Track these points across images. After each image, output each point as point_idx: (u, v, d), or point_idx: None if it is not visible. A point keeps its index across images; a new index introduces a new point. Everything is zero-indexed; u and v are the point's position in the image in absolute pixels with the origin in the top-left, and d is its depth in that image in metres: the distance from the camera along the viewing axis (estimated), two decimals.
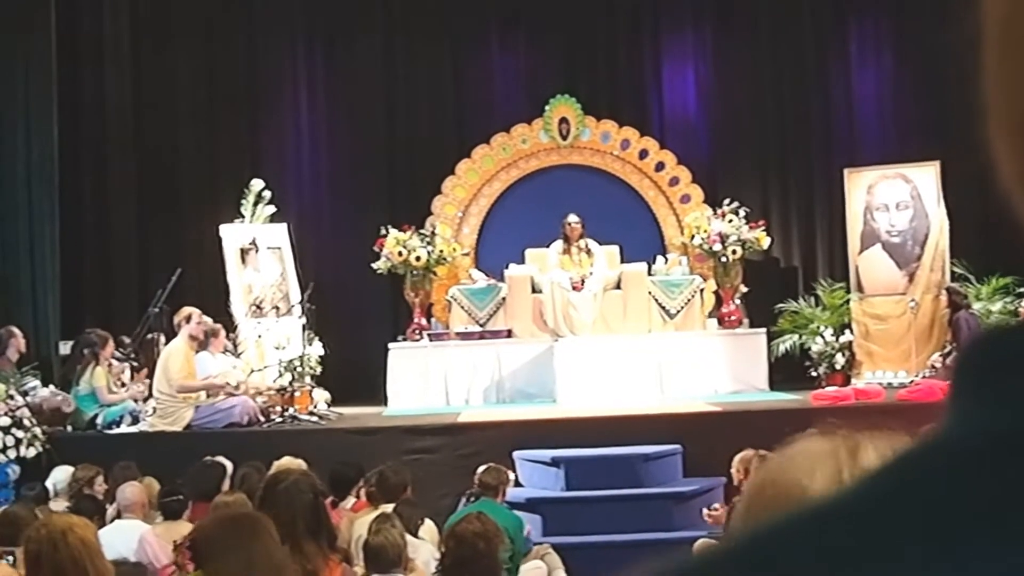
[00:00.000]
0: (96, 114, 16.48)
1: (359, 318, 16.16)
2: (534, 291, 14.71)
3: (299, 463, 8.26)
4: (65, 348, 14.30)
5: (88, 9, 16.53)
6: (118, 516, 8.45)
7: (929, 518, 0.56)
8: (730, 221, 14.97)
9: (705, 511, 9.09)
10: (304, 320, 14.04)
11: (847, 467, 1.46)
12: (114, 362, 13.32)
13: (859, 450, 1.47)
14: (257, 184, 14.86)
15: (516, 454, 11.32)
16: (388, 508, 7.79)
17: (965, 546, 0.54)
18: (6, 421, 11.45)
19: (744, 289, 15.08)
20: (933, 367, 13.70)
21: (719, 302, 15.06)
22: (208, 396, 12.45)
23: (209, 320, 13.24)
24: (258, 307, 14.27)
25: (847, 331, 14.74)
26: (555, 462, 11.16)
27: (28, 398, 12.08)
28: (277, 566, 4.18)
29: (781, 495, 1.48)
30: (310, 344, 14.02)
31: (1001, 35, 0.60)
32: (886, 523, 0.57)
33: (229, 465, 9.44)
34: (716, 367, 14.22)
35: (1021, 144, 0.60)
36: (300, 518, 5.16)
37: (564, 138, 15.89)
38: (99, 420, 12.54)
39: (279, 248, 15.01)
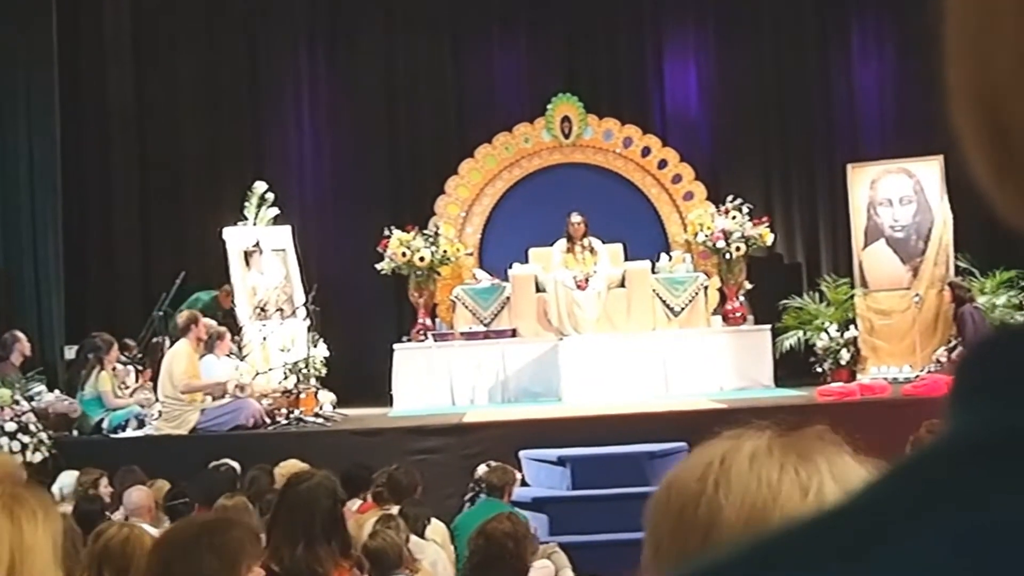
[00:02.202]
0: (98, 116, 16.50)
1: (363, 319, 16.17)
2: (538, 290, 14.72)
3: (303, 466, 8.26)
4: (70, 353, 14.31)
5: (90, 10, 16.54)
6: (125, 520, 8.44)
7: (933, 515, 0.56)
8: (733, 218, 14.97)
9: None
10: (308, 322, 14.06)
11: (720, 473, 1.48)
12: (119, 366, 13.32)
13: (733, 454, 1.49)
14: (260, 186, 14.86)
15: (522, 453, 11.31)
16: (394, 509, 7.79)
17: (967, 543, 0.54)
18: (12, 426, 11.46)
19: (748, 286, 15.09)
20: (938, 361, 13.69)
21: (723, 299, 15.06)
22: (213, 398, 12.45)
23: (213, 323, 13.25)
24: (262, 309, 14.27)
25: (852, 326, 14.72)
26: (561, 461, 11.16)
27: (34, 403, 12.09)
28: None
29: (684, 504, 1.50)
30: (315, 346, 14.03)
31: (959, 9, 0.60)
32: (885, 523, 0.56)
33: (235, 467, 9.44)
34: (721, 364, 14.22)
35: (980, 117, 0.60)
36: (317, 520, 5.16)
37: (566, 136, 15.89)
38: (105, 424, 12.55)
39: (283, 250, 15.01)
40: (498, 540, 5.76)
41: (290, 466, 8.66)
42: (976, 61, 0.59)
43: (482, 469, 9.57)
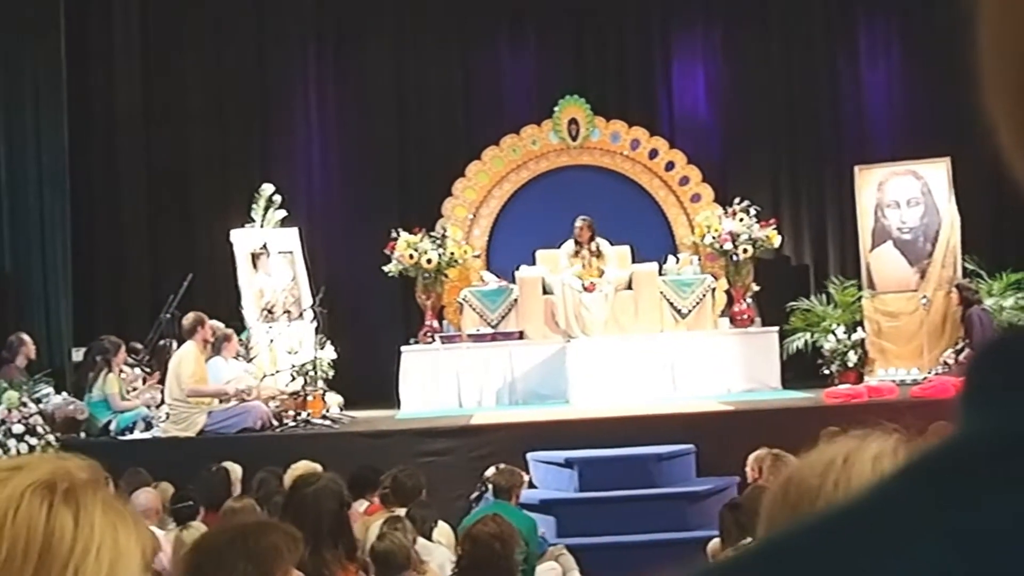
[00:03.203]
0: (106, 119, 16.51)
1: (371, 321, 16.17)
2: (545, 292, 14.71)
3: (316, 467, 8.26)
4: (78, 355, 14.31)
5: (98, 14, 16.56)
6: None
7: (944, 518, 0.55)
8: (741, 220, 14.96)
9: None
10: (316, 324, 14.05)
11: (841, 472, 1.47)
12: (126, 368, 13.33)
13: (857, 454, 1.48)
14: (268, 188, 14.88)
15: (530, 455, 11.32)
16: (401, 512, 7.79)
17: (980, 546, 0.54)
18: (20, 428, 11.46)
19: (755, 288, 15.07)
20: (945, 363, 13.67)
21: (731, 301, 15.05)
22: (221, 401, 12.46)
23: (220, 324, 13.25)
24: (270, 312, 14.28)
25: (859, 328, 14.71)
26: (568, 463, 11.16)
27: (41, 405, 12.10)
28: None
29: (800, 498, 1.49)
30: (322, 348, 14.03)
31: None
32: (899, 525, 0.56)
33: (237, 469, 9.44)
34: (728, 366, 14.21)
35: (1016, 107, 0.59)
36: (324, 523, 5.16)
37: (574, 139, 15.89)
38: (112, 427, 12.55)
39: (290, 252, 15.02)
40: (485, 542, 5.77)
41: (302, 468, 8.65)
42: (1020, 47, 0.58)
43: (490, 471, 9.57)
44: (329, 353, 14.34)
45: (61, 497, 1.75)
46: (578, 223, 14.84)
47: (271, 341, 13.96)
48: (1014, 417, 0.57)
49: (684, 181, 15.79)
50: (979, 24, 0.60)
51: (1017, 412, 0.57)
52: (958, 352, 13.64)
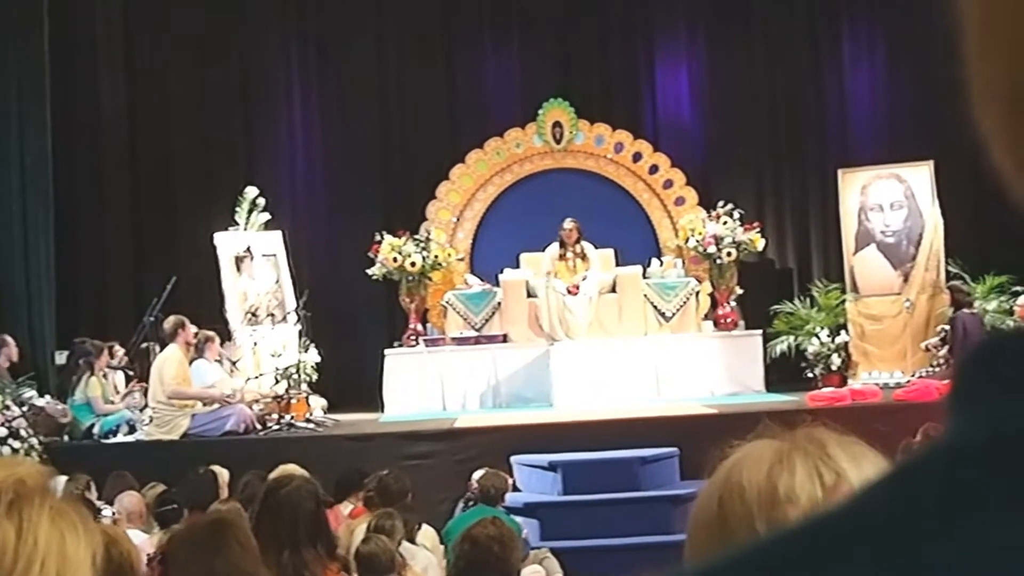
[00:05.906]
0: (90, 122, 16.47)
1: (355, 324, 16.17)
2: (529, 295, 14.71)
3: (301, 472, 8.24)
4: (61, 358, 14.28)
5: (81, 15, 16.53)
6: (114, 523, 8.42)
7: (935, 520, 0.55)
8: (724, 223, 14.98)
9: None
10: (300, 327, 14.04)
11: (823, 465, 1.42)
12: (109, 372, 13.29)
13: (827, 447, 1.44)
14: (251, 191, 14.84)
15: (514, 459, 11.30)
16: None
17: (972, 548, 0.54)
18: (2, 432, 11.43)
19: (739, 291, 15.09)
20: (927, 349, 13.80)
21: (714, 304, 15.07)
22: (204, 404, 12.43)
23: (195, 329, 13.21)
24: (253, 315, 14.25)
25: (843, 332, 14.74)
26: (552, 466, 11.15)
27: (24, 408, 12.05)
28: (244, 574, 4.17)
29: (760, 502, 1.43)
30: (306, 351, 14.02)
31: (980, 7, 0.60)
32: (892, 529, 0.56)
33: (224, 473, 9.42)
34: (712, 369, 14.22)
35: (1005, 115, 0.59)
36: (301, 524, 5.15)
37: (558, 142, 15.89)
38: (96, 430, 12.52)
39: (274, 255, 14.99)
40: (484, 544, 5.74)
41: (288, 470, 8.63)
42: (1008, 58, 0.58)
43: (477, 475, 9.57)
44: (313, 356, 14.33)
45: (4, 510, 1.74)
46: (568, 224, 14.82)
47: (255, 344, 13.94)
48: (1004, 419, 0.57)
49: (668, 184, 15.81)
50: (963, 38, 0.60)
51: (1007, 414, 0.57)
52: (934, 346, 13.78)
